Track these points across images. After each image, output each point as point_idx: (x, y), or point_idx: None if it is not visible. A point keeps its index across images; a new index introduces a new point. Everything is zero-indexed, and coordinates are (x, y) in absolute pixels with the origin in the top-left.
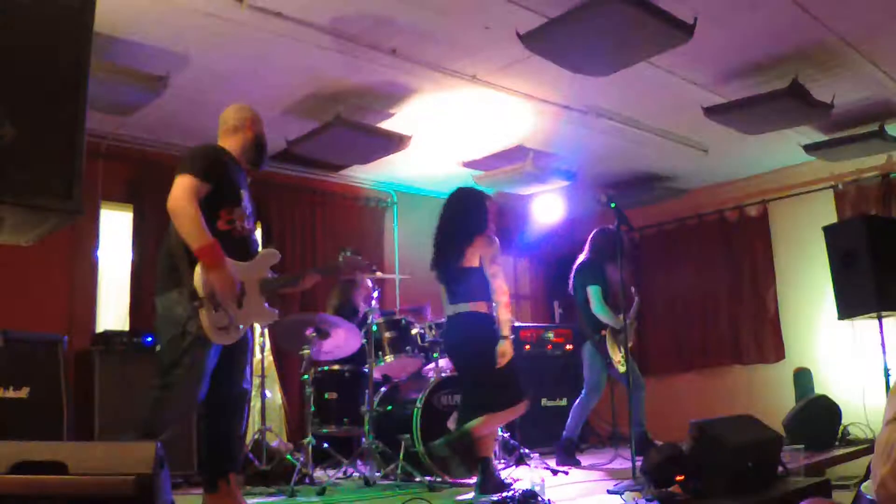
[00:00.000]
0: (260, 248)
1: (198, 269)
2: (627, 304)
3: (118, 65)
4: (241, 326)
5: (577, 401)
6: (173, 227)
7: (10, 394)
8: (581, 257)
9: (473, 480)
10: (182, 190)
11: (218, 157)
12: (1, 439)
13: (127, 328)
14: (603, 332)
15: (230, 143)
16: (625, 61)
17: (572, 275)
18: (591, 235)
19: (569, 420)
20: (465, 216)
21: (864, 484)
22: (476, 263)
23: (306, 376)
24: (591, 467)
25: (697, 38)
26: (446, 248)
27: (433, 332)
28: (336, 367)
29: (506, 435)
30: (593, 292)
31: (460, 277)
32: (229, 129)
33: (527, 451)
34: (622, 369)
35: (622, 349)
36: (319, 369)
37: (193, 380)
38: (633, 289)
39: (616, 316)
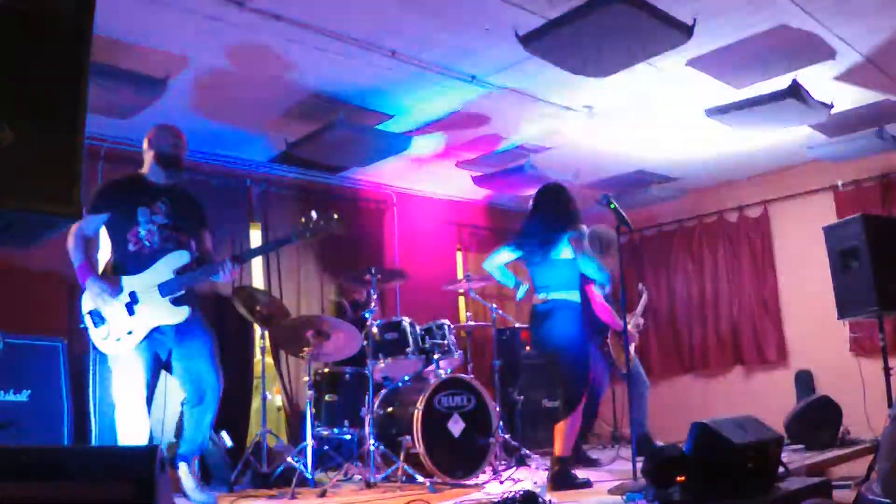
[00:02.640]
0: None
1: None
2: (631, 302)
3: (118, 67)
4: (135, 331)
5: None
6: None
7: (10, 398)
8: None
9: (473, 482)
10: (74, 226)
11: (109, 189)
12: (0, 443)
13: None
14: (606, 332)
15: (144, 166)
16: (624, 62)
17: None
18: None
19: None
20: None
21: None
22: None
23: (306, 378)
24: (592, 468)
25: (697, 38)
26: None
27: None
28: (336, 368)
29: (506, 436)
30: (592, 290)
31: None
32: (144, 153)
33: (527, 451)
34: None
35: (626, 348)
36: (320, 371)
37: (122, 393)
38: (640, 285)
39: (617, 315)
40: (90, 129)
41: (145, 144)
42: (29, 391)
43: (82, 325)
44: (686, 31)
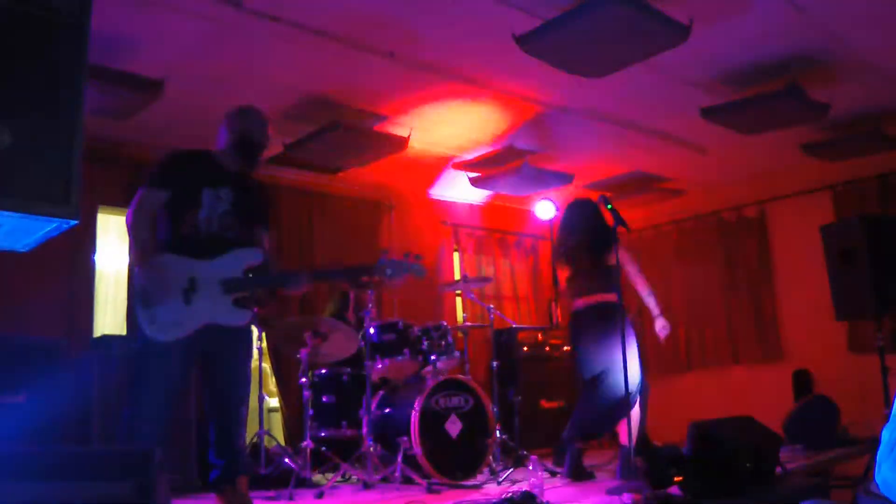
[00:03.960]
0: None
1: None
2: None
3: (115, 69)
4: (186, 322)
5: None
6: None
7: (8, 399)
8: None
9: (471, 482)
10: (134, 201)
11: (175, 163)
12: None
13: (124, 332)
14: None
15: (222, 147)
16: (621, 62)
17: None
18: None
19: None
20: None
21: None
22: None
23: (304, 379)
24: (590, 468)
25: (694, 39)
26: None
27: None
28: (334, 369)
29: (504, 436)
30: None
31: None
32: (221, 134)
33: (525, 452)
34: None
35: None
36: (317, 372)
37: (153, 388)
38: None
39: None
40: (87, 130)
41: (228, 121)
42: (27, 392)
43: (136, 304)
44: (683, 32)
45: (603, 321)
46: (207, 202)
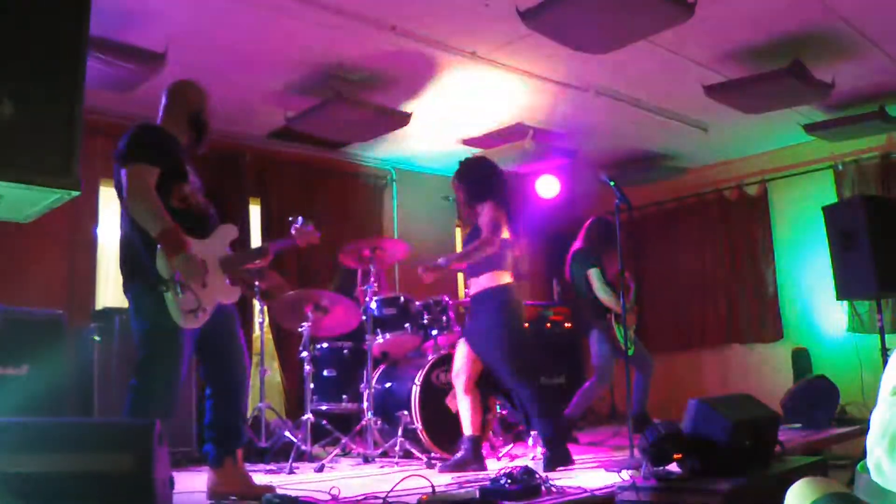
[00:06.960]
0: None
1: (160, 253)
2: (626, 290)
3: (117, 41)
4: (208, 307)
5: (588, 385)
6: (129, 214)
7: (10, 371)
8: (575, 245)
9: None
10: (138, 180)
11: (161, 138)
12: (1, 417)
13: (126, 305)
14: (609, 317)
15: (169, 123)
16: (625, 39)
17: (568, 262)
18: (586, 224)
19: (573, 400)
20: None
21: (861, 463)
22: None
23: (305, 353)
24: (590, 445)
25: (698, 16)
26: None
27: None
28: (335, 343)
29: (504, 412)
30: (595, 275)
31: None
32: (167, 107)
33: (525, 428)
34: (630, 352)
35: (625, 332)
36: (318, 346)
37: (171, 370)
38: (626, 274)
39: (618, 299)
40: (89, 102)
41: (174, 98)
42: (28, 365)
43: (164, 291)
44: (687, 9)
45: None
46: (193, 178)
